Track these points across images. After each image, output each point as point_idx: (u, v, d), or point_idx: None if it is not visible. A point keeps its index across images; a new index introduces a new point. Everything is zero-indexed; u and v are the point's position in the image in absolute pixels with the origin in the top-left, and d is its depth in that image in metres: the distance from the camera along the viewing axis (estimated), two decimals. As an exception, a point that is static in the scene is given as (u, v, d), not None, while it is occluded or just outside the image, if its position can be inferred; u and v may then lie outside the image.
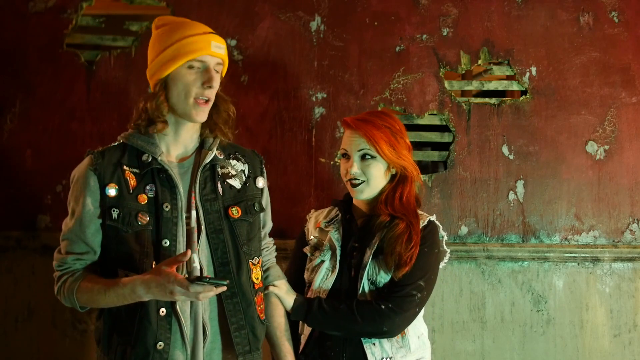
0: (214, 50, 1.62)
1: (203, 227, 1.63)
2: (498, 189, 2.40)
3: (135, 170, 1.64)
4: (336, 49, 2.42)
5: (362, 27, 2.43)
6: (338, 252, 1.85)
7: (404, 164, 1.83)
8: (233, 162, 1.76)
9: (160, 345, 1.57)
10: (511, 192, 2.39)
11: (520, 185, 2.39)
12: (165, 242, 1.59)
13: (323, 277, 1.85)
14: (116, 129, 2.42)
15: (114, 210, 1.60)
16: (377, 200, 1.87)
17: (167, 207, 1.61)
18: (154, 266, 1.56)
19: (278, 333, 1.80)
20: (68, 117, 2.45)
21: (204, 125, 1.73)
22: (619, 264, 2.37)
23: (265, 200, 1.82)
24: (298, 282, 1.92)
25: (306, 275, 1.91)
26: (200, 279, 1.45)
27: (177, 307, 1.58)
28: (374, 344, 1.78)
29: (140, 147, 1.65)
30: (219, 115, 1.72)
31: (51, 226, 2.42)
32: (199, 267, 1.61)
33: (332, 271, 1.84)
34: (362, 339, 1.78)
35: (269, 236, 1.90)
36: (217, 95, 1.70)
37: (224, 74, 1.72)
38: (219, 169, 1.71)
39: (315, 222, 1.97)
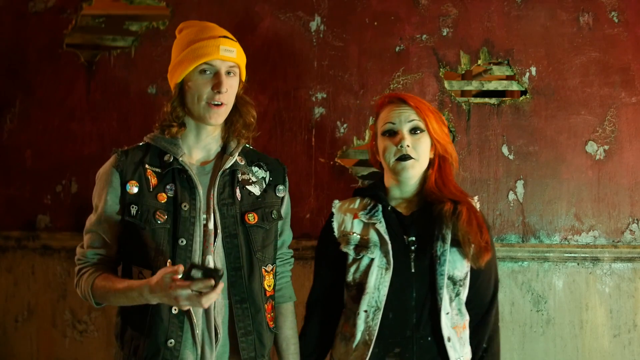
0: (223, 54, 1.62)
1: (219, 230, 1.64)
2: (498, 189, 2.40)
3: (157, 170, 1.66)
4: (336, 49, 2.42)
5: (362, 27, 2.43)
6: (390, 247, 1.70)
7: (446, 141, 1.76)
8: (255, 169, 1.76)
9: (171, 343, 1.58)
10: (511, 192, 2.39)
11: (520, 185, 2.39)
12: (182, 241, 1.61)
13: (377, 277, 1.70)
14: (116, 129, 2.43)
15: (132, 207, 1.62)
16: (419, 187, 1.78)
17: (185, 206, 1.63)
18: (169, 264, 1.58)
19: (284, 345, 1.79)
20: (68, 117, 2.45)
21: (225, 129, 1.74)
22: (619, 264, 2.37)
23: (285, 209, 1.81)
24: (334, 286, 1.80)
25: (351, 277, 1.75)
26: (196, 266, 1.44)
27: (191, 308, 1.59)
28: (451, 346, 1.70)
29: (163, 148, 1.68)
30: (239, 118, 1.73)
31: (51, 226, 2.42)
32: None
33: (387, 269, 1.69)
34: (445, 341, 1.69)
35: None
36: (238, 97, 1.72)
37: (243, 77, 1.73)
38: (239, 175, 1.71)
39: (350, 214, 1.80)
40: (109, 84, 2.45)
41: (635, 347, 2.36)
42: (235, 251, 1.65)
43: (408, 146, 1.71)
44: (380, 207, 1.77)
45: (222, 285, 1.45)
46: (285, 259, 1.84)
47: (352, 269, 1.74)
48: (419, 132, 1.74)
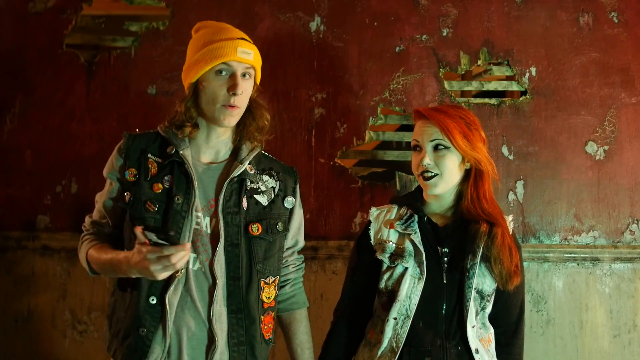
0: (240, 56, 1.61)
1: (222, 238, 1.63)
2: (498, 189, 2.39)
3: (158, 160, 1.68)
4: (336, 49, 2.42)
5: (362, 28, 2.43)
6: (424, 258, 1.73)
7: (477, 157, 1.74)
8: (265, 177, 1.75)
9: (142, 332, 1.59)
10: (511, 192, 2.39)
11: (520, 185, 2.39)
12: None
13: (410, 286, 1.72)
14: (116, 129, 2.43)
15: (126, 194, 1.66)
16: (455, 199, 1.80)
17: (178, 199, 1.63)
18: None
19: (299, 350, 1.80)
20: (68, 117, 2.45)
21: (237, 132, 1.74)
22: (619, 264, 2.37)
23: (297, 220, 1.80)
24: (364, 292, 1.82)
25: (383, 285, 1.77)
26: (151, 228, 1.42)
27: (166, 298, 1.59)
28: (479, 358, 1.72)
29: (169, 139, 1.69)
30: (252, 121, 1.73)
31: (51, 226, 2.42)
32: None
33: (420, 279, 1.72)
34: (473, 353, 1.70)
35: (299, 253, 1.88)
36: (252, 100, 1.71)
37: (258, 80, 1.72)
38: (248, 184, 1.70)
39: (387, 223, 1.83)
40: (109, 84, 2.45)
41: (635, 348, 2.36)
42: (236, 261, 1.64)
43: (428, 163, 1.73)
44: (416, 217, 1.80)
45: (188, 244, 1.47)
46: (298, 265, 1.85)
47: (386, 277, 1.76)
48: (442, 148, 1.74)
